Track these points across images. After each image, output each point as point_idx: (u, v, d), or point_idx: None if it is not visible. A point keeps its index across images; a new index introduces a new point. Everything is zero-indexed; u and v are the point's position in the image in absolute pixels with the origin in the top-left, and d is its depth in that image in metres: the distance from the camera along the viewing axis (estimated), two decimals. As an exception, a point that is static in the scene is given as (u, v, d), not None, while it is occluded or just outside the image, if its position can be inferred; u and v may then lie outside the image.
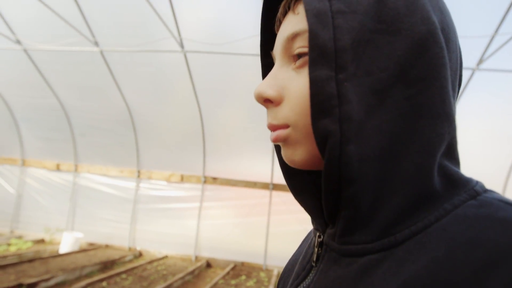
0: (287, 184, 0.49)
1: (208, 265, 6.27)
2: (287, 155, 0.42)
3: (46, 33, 5.41)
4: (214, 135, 6.39)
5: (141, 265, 5.61)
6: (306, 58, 0.38)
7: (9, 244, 6.11)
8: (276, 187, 6.30)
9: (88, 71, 5.93)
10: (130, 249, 6.64)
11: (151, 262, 5.93)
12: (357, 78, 0.34)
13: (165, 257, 6.43)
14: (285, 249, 6.02)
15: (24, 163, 7.23)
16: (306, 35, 0.38)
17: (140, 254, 6.54)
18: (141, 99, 6.25)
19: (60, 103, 6.46)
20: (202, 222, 6.50)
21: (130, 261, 6.10)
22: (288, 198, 6.19)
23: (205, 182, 6.58)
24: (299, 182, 0.48)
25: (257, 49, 5.04)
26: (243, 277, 5.42)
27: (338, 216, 0.38)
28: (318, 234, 0.45)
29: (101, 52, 5.50)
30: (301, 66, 0.39)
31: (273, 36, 0.49)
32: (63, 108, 6.54)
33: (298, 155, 0.41)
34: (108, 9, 5.11)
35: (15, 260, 5.15)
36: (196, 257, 6.40)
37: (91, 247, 6.54)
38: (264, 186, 6.35)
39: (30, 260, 5.22)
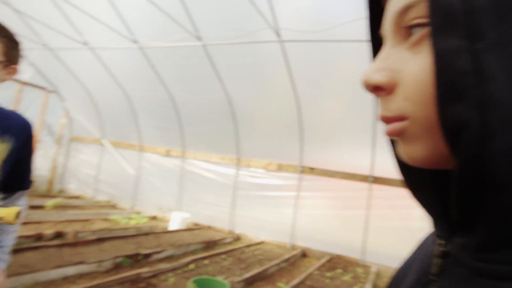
0: (404, 180, 0.40)
1: (304, 254, 6.28)
2: (405, 151, 0.34)
3: (158, 32, 5.96)
4: (312, 125, 6.30)
5: (239, 248, 5.90)
6: (424, 31, 0.30)
7: (130, 218, 7.01)
8: (376, 180, 5.95)
9: (193, 65, 6.36)
10: (229, 232, 7.03)
11: (248, 246, 6.18)
12: (502, 48, 0.25)
13: (262, 242, 6.64)
14: (385, 246, 5.68)
15: (141, 149, 8.19)
16: (423, 5, 0.30)
17: (238, 238, 6.88)
18: (240, 90, 6.48)
19: (170, 95, 7.10)
20: (299, 211, 6.51)
21: (230, 243, 6.45)
22: (389, 192, 5.79)
23: (302, 172, 6.56)
24: (418, 177, 0.39)
25: (357, 35, 4.77)
26: (339, 271, 5.29)
27: (477, 225, 0.29)
28: (440, 241, 0.36)
29: (204, 46, 5.83)
30: (417, 43, 0.31)
31: (382, 11, 0.40)
32: (172, 100, 7.17)
33: (417, 153, 0.33)
34: (209, 5, 5.38)
35: (134, 233, 5.89)
36: (292, 245, 6.46)
37: (196, 227, 7.11)
38: (363, 178, 6.05)
39: (146, 234, 5.90)
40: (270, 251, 6.12)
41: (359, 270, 5.48)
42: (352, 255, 5.98)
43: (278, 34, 5.13)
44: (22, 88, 7.92)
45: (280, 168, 6.78)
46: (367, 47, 4.89)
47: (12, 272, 3.15)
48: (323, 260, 5.68)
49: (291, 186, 6.66)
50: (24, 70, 7.78)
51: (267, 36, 5.25)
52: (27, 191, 1.46)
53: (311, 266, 5.43)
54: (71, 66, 7.78)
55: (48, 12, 6.19)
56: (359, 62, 5.31)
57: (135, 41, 6.17)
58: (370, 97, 5.45)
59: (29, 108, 7.77)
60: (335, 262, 5.79)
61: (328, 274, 5.05)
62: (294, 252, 6.00)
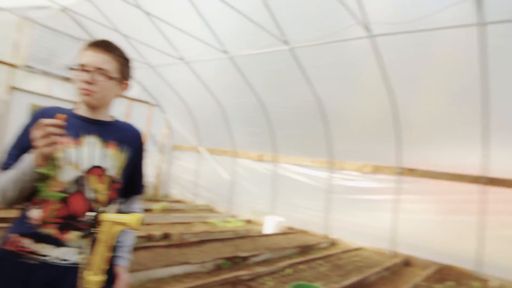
0: None
1: (406, 263, 5.81)
2: None
3: (245, 40, 6.15)
4: (410, 123, 5.83)
5: (335, 254, 5.71)
6: None
7: (227, 222, 7.33)
8: (492, 181, 5.21)
9: (281, 69, 6.41)
10: (324, 236, 6.86)
11: (345, 251, 5.95)
12: None
13: (360, 248, 6.33)
14: (508, 258, 4.93)
15: (234, 154, 8.53)
16: None
17: (334, 243, 6.67)
18: (329, 90, 6.32)
19: (260, 100, 7.26)
20: (398, 216, 6.06)
21: (325, 248, 6.29)
22: (511, 196, 5.03)
23: (400, 173, 6.09)
24: None
25: (458, 19, 4.26)
26: (451, 283, 4.75)
27: None
28: None
29: (291, 50, 5.82)
30: None
31: None
32: (262, 105, 7.32)
33: None
34: (294, 8, 5.35)
35: (231, 236, 6.12)
36: (392, 253, 6.03)
37: (290, 231, 7.10)
38: (474, 179, 5.36)
39: (242, 237, 6.09)
40: (369, 257, 5.80)
41: (475, 284, 4.85)
42: (465, 266, 5.32)
43: (368, 29, 4.87)
44: (131, 103, 8.91)
45: (376, 170, 6.40)
46: (471, 32, 4.34)
47: (129, 269, 3.51)
48: (430, 270, 5.17)
49: (389, 189, 6.23)
50: (133, 88, 8.75)
51: (356, 33, 5.02)
52: (140, 196, 1.59)
53: (416, 276, 4.98)
54: (170, 81, 8.49)
55: (149, 33, 6.86)
56: (461, 50, 4.74)
57: (225, 52, 6.47)
58: (476, 88, 4.83)
59: (136, 121, 8.68)
60: (445, 273, 5.22)
61: (438, 286, 4.57)
62: (396, 260, 5.59)
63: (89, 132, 1.28)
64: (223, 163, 8.76)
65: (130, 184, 1.45)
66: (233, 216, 8.01)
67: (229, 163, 8.62)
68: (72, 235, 1.21)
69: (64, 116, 1.08)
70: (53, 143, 1.06)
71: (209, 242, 5.44)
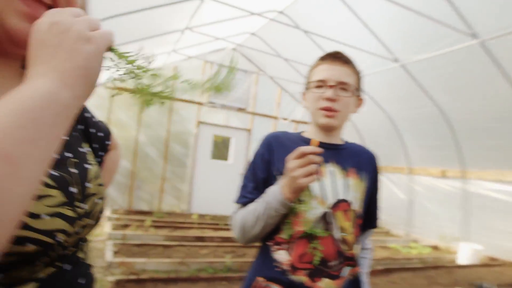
0: None
1: None
2: None
3: (419, 44, 5.48)
4: None
5: None
6: None
7: (410, 247, 6.51)
8: None
9: (465, 69, 5.44)
10: (547, 272, 5.33)
11: None
12: None
13: None
14: None
15: (410, 171, 7.65)
16: None
17: None
18: (539, 84, 5.00)
19: (439, 108, 6.32)
20: None
21: (553, 288, 4.84)
22: None
23: None
24: None
25: None
26: None
27: None
28: None
29: (481, 43, 4.87)
30: None
31: None
32: (442, 114, 6.36)
33: None
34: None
35: (419, 264, 5.37)
36: None
37: (493, 263, 5.80)
38: None
39: (435, 267, 5.25)
40: None
41: None
42: None
43: None
44: (297, 126, 9.17)
45: None
46: None
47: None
48: None
49: None
50: (298, 110, 9.02)
51: None
52: (374, 230, 1.34)
53: None
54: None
55: (309, 53, 6.79)
56: None
57: (396, 60, 5.91)
58: None
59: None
60: None
61: None
62: None
63: (326, 159, 1.10)
64: (397, 181, 7.97)
65: (366, 216, 1.22)
66: (414, 241, 7.10)
67: (404, 181, 7.77)
68: (323, 284, 1.03)
69: (318, 142, 0.94)
70: (313, 174, 0.92)
71: (396, 272, 4.86)
